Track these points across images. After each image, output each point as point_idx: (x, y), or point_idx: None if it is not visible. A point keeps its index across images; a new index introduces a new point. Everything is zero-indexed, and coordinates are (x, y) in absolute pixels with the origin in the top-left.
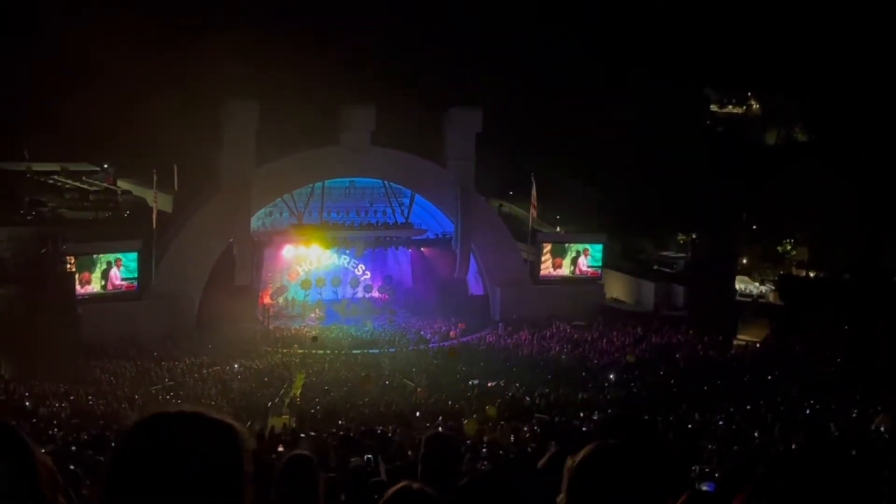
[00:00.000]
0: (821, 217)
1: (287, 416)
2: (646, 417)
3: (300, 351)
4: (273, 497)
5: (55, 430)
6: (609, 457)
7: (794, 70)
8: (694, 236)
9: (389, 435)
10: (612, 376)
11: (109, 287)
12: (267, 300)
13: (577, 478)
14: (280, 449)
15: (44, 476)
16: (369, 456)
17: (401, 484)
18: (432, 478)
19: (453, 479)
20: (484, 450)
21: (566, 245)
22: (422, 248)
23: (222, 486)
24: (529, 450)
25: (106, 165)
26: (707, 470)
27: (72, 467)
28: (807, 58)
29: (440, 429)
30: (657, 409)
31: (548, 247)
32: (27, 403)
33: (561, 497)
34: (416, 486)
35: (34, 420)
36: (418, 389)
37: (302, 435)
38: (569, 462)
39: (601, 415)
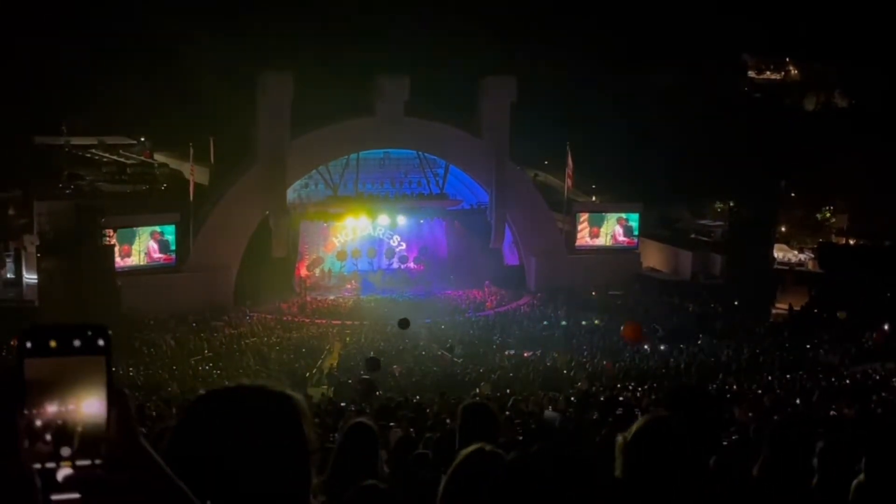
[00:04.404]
0: (861, 183)
1: (325, 387)
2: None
3: (336, 322)
4: (332, 463)
5: None
6: (663, 430)
7: (832, 35)
8: (731, 204)
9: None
10: (646, 347)
11: (148, 260)
12: (303, 272)
13: (633, 453)
14: (315, 420)
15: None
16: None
17: (475, 446)
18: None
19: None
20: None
21: (602, 214)
22: (456, 220)
23: (285, 457)
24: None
25: (143, 139)
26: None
27: None
28: (845, 22)
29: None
30: (696, 378)
31: (584, 216)
32: None
33: (617, 474)
34: (488, 447)
35: None
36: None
37: (342, 404)
38: (620, 439)
39: (660, 386)
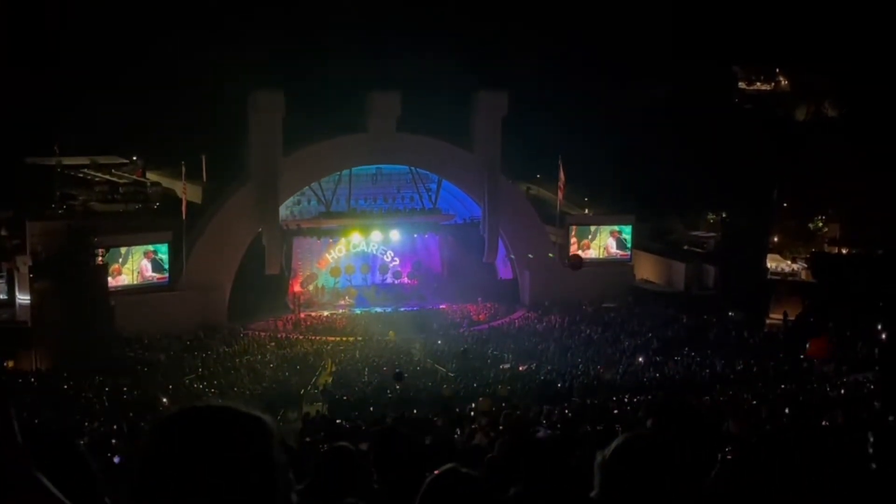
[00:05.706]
0: (853, 192)
1: (320, 404)
2: (691, 402)
3: (331, 338)
4: (310, 486)
5: (92, 421)
6: (641, 447)
7: (822, 44)
8: (724, 215)
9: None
10: (640, 359)
11: (141, 279)
12: (297, 288)
13: (611, 471)
14: (307, 440)
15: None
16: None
17: (447, 466)
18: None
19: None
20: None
21: (595, 227)
22: (449, 235)
23: (252, 479)
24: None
25: (135, 158)
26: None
27: (116, 460)
28: (835, 31)
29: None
30: (690, 390)
31: (576, 229)
32: (63, 395)
33: (595, 493)
34: (461, 468)
35: (69, 412)
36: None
37: (337, 421)
38: (599, 457)
39: (645, 399)
